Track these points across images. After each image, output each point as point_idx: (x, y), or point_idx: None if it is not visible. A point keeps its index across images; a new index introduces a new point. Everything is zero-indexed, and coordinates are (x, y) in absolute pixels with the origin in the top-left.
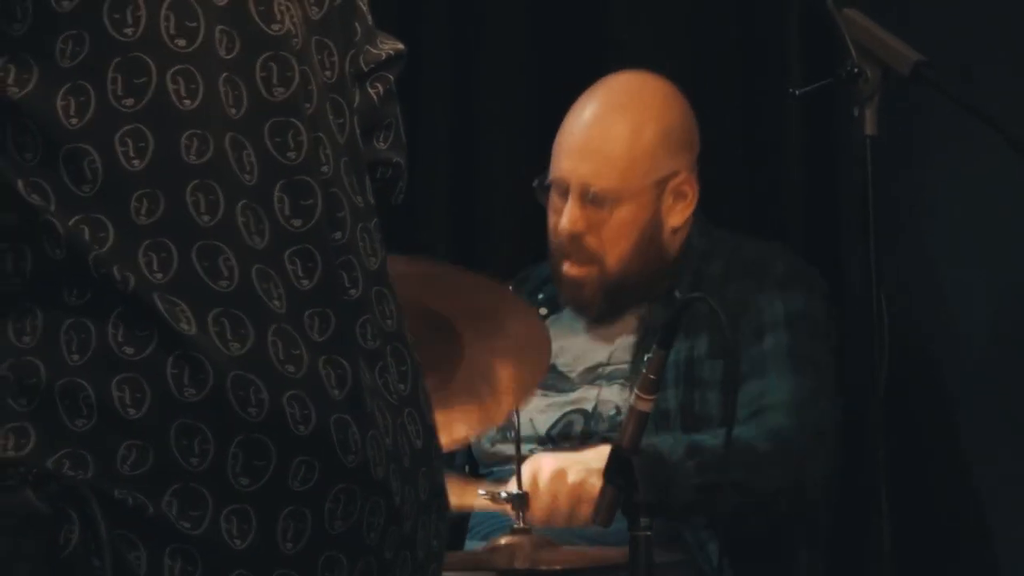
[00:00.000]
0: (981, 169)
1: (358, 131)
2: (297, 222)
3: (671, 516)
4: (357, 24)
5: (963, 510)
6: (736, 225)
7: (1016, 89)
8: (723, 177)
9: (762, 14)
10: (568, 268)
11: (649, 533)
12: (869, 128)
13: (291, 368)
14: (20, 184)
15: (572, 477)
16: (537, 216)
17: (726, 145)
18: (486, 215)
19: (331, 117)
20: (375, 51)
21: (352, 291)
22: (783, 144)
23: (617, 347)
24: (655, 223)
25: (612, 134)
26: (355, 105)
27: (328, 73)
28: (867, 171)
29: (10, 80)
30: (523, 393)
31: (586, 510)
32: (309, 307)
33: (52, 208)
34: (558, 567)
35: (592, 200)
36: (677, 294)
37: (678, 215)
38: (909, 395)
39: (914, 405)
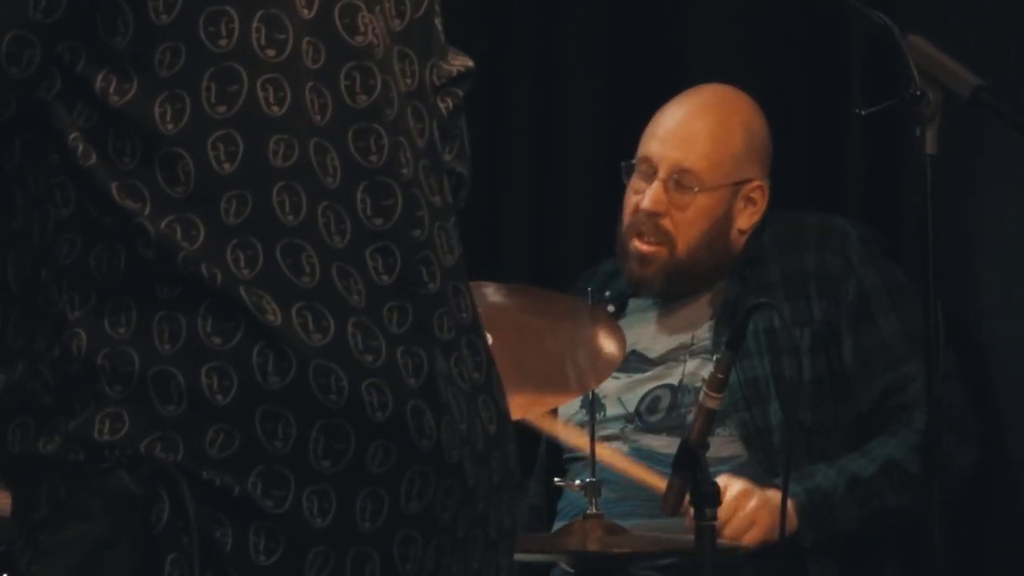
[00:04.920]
0: None
1: (438, 135)
2: (378, 221)
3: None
4: (432, 39)
5: (1016, 520)
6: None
7: None
8: (787, 192)
9: (829, 37)
10: (639, 244)
11: (715, 523)
12: (930, 148)
13: (370, 358)
14: (114, 188)
15: (754, 502)
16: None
17: (791, 162)
18: (563, 224)
19: (411, 122)
20: (447, 67)
21: (430, 285)
22: (847, 162)
23: (700, 328)
24: (726, 219)
25: (704, 129)
26: (435, 111)
27: (409, 81)
28: (927, 189)
29: (111, 89)
30: (599, 376)
31: (757, 533)
32: (388, 301)
33: (146, 211)
34: (628, 550)
35: (676, 185)
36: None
37: (747, 219)
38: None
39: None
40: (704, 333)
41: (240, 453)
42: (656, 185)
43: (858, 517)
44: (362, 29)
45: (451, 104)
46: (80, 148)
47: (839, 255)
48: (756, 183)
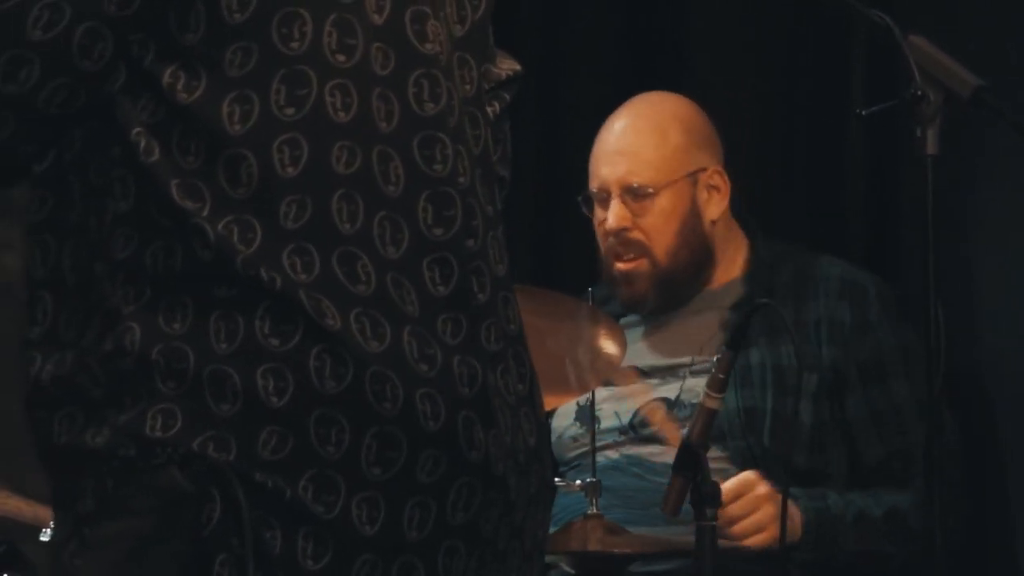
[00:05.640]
0: None
1: (491, 142)
2: (439, 231)
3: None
4: (486, 43)
5: (1015, 519)
6: (798, 241)
7: None
8: (787, 192)
9: (830, 38)
10: (619, 265)
11: (715, 523)
12: (931, 148)
13: (425, 367)
14: (174, 186)
15: (771, 509)
16: None
17: (791, 162)
18: (565, 224)
19: (468, 130)
20: (495, 71)
21: (480, 296)
22: (847, 162)
23: (702, 352)
24: (693, 214)
25: (641, 137)
26: (488, 118)
27: (468, 87)
28: (927, 189)
29: (180, 86)
30: (599, 376)
31: (763, 538)
32: (443, 312)
33: (204, 212)
34: (629, 551)
35: (633, 195)
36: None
37: (715, 207)
38: (966, 409)
39: (970, 419)
40: (704, 357)
41: (292, 456)
42: (614, 203)
43: (856, 551)
44: (431, 37)
45: (498, 108)
46: (143, 143)
47: (856, 308)
48: (712, 169)
